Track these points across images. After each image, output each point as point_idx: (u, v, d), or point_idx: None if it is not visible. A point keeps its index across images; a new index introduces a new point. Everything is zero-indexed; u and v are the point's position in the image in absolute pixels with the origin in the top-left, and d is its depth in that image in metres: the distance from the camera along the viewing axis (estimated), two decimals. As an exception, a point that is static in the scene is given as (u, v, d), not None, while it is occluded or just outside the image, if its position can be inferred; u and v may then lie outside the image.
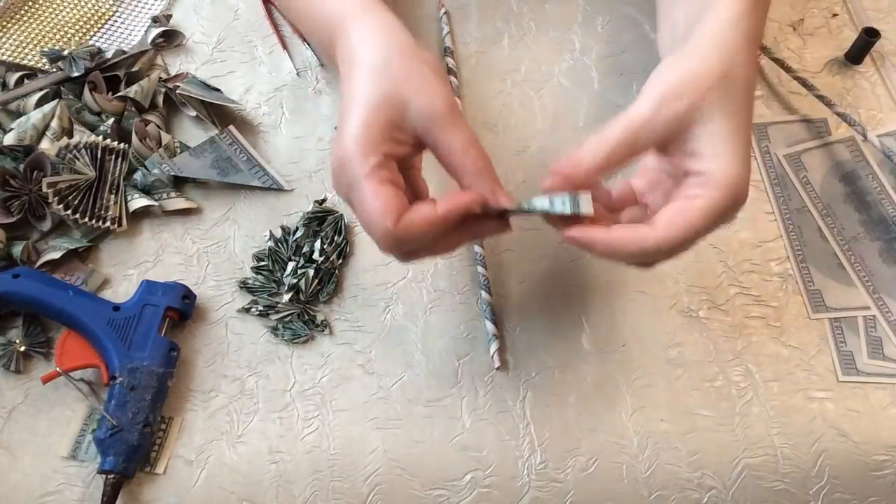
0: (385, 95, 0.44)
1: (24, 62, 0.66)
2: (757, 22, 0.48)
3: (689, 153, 0.44)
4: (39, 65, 0.66)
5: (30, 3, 0.70)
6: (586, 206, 0.44)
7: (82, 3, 0.70)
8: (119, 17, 0.70)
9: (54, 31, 0.68)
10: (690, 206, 0.42)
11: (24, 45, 0.67)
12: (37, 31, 0.68)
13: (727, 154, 0.43)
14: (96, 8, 0.70)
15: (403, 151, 0.45)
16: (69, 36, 0.68)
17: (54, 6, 0.70)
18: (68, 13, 0.69)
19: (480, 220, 0.46)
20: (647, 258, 0.44)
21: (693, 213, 0.42)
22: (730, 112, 0.43)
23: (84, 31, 0.69)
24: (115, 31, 0.69)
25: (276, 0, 0.70)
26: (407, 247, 0.44)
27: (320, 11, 0.52)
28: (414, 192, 0.49)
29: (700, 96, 0.43)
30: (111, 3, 0.71)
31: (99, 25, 0.69)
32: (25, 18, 0.69)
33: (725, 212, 0.43)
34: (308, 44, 0.69)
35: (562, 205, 0.44)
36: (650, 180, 0.49)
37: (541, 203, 0.45)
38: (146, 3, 0.71)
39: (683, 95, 0.43)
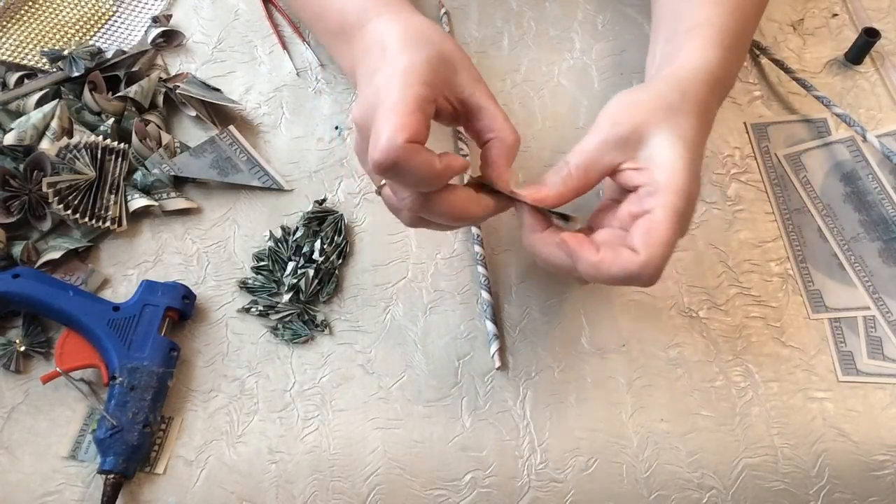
0: (433, 56, 0.44)
1: (24, 62, 0.66)
2: (725, 66, 0.51)
3: (639, 170, 0.45)
4: (39, 65, 0.66)
5: (30, 3, 0.69)
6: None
7: (82, 3, 0.70)
8: (119, 17, 0.70)
9: (54, 31, 0.68)
10: (653, 220, 0.43)
11: (24, 45, 0.67)
12: (37, 31, 0.68)
13: (670, 161, 0.44)
14: (96, 8, 0.70)
15: (445, 110, 0.46)
16: (69, 36, 0.68)
17: (54, 6, 0.70)
18: (68, 13, 0.69)
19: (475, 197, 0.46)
20: (632, 283, 0.44)
21: (661, 227, 0.43)
22: (675, 133, 0.45)
23: (84, 31, 0.69)
24: (115, 31, 0.69)
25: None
26: (397, 174, 0.41)
27: (332, 8, 0.52)
28: None
29: (643, 120, 0.45)
30: (111, 3, 0.71)
31: (99, 25, 0.69)
32: (25, 18, 0.69)
33: (685, 212, 0.43)
34: (308, 44, 0.69)
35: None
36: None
37: None
38: (146, 3, 0.71)
39: (629, 117, 0.46)
